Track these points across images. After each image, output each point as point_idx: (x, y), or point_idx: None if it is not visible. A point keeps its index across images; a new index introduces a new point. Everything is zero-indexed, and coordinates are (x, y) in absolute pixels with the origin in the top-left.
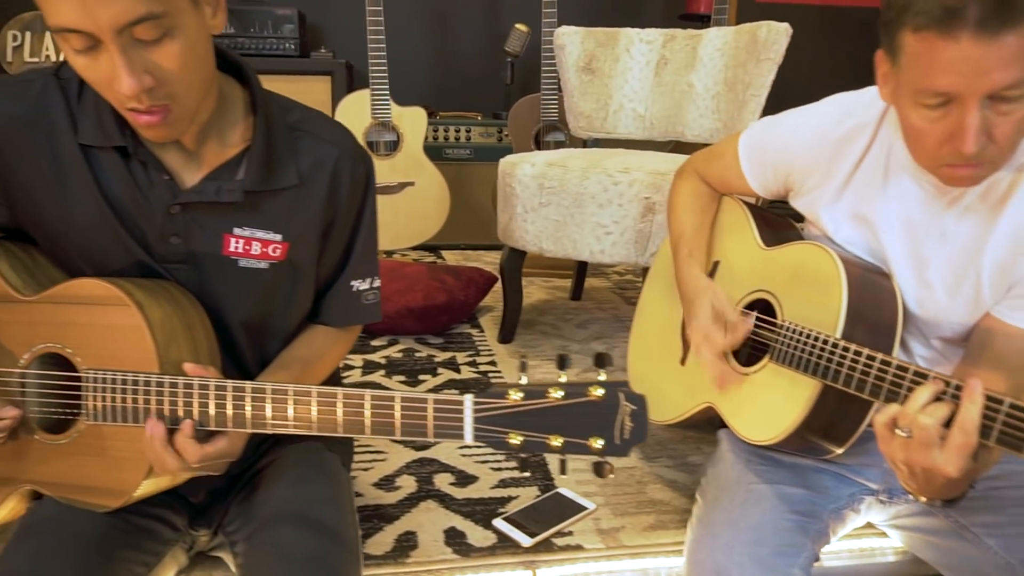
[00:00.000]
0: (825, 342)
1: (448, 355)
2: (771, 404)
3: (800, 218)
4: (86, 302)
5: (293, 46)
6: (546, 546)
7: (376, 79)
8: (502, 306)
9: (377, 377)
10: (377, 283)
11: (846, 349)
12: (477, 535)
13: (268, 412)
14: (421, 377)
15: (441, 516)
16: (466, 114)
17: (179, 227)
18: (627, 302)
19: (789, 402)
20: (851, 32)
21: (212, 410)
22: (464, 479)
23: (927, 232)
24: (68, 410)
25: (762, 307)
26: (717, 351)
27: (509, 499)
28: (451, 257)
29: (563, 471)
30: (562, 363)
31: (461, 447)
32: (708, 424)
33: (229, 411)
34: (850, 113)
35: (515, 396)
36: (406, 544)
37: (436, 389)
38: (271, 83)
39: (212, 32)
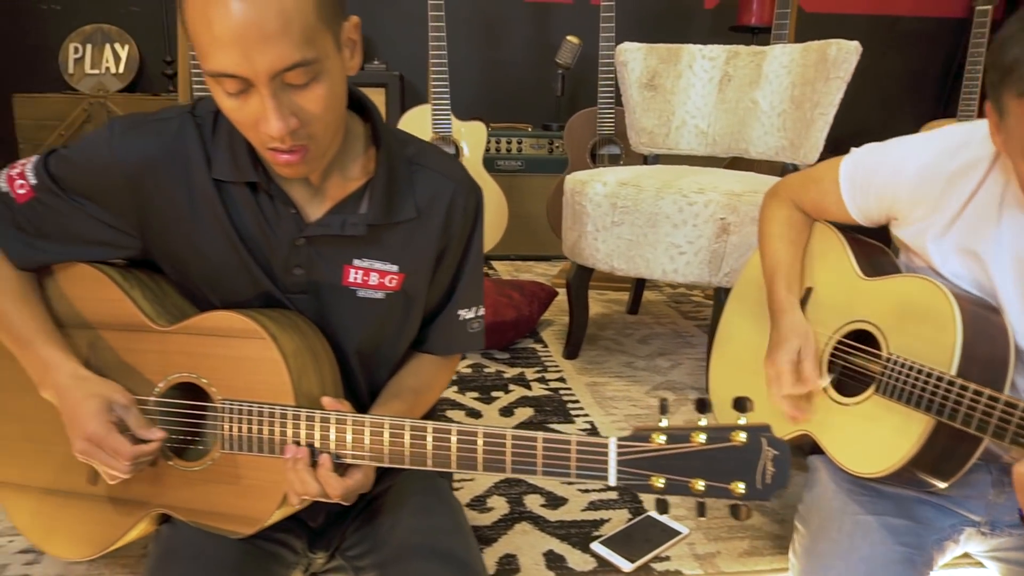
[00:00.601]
0: (940, 379)
1: (516, 371)
2: (878, 437)
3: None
4: (222, 334)
5: None
6: (645, 571)
7: (437, 94)
8: (562, 320)
9: (450, 393)
10: (482, 311)
11: (964, 387)
12: (576, 558)
13: (407, 447)
14: (494, 394)
15: (538, 539)
16: (517, 125)
17: (302, 259)
18: (684, 316)
19: (899, 437)
20: (900, 42)
21: (349, 443)
22: (554, 501)
23: None
24: (194, 437)
25: (862, 338)
26: (783, 393)
27: (601, 522)
28: (502, 268)
29: (702, 514)
30: (702, 407)
31: None
32: (796, 450)
33: (367, 445)
34: (964, 147)
35: (659, 440)
36: (508, 567)
37: (510, 407)
38: None
39: (348, 74)
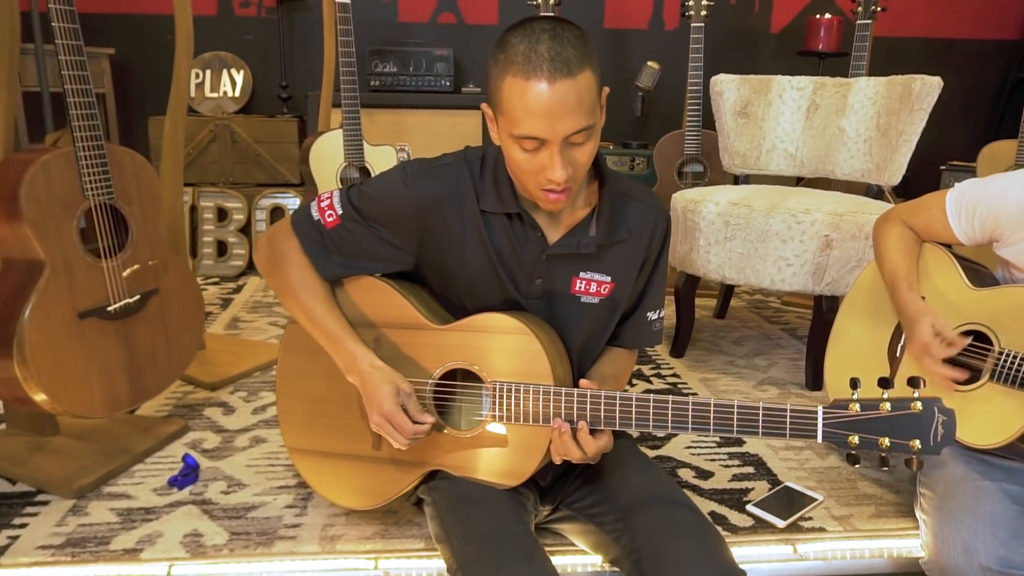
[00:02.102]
0: None
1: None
2: (993, 416)
3: None
4: (492, 331)
5: (448, 83)
6: (796, 527)
7: None
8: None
9: None
10: (663, 313)
11: None
12: (736, 517)
13: (650, 418)
14: None
15: (700, 502)
16: (600, 144)
17: (542, 271)
18: (767, 321)
19: (1014, 414)
20: (957, 63)
21: (603, 414)
22: (703, 473)
23: None
24: (442, 409)
25: (975, 338)
26: (937, 360)
27: (746, 490)
28: None
29: (885, 465)
30: (885, 384)
31: (688, 446)
32: None
33: (617, 415)
34: None
35: (855, 408)
36: None
37: None
38: (429, 117)
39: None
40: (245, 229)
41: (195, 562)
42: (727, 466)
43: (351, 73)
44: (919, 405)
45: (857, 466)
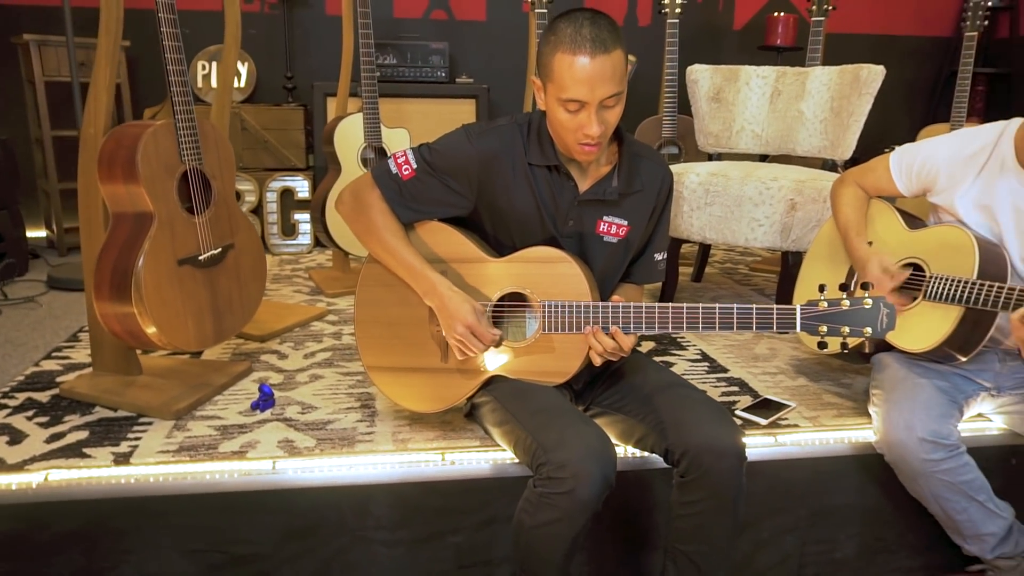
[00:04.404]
0: (967, 282)
1: None
2: (925, 326)
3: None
4: (540, 261)
5: (443, 74)
6: (775, 425)
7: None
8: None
9: None
10: (666, 255)
11: (982, 284)
12: None
13: (669, 320)
14: None
15: None
16: None
17: (574, 215)
18: (738, 283)
19: (941, 322)
20: (897, 58)
21: (632, 320)
22: None
23: None
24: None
25: (912, 268)
26: (886, 289)
27: (734, 402)
28: None
29: (845, 349)
30: (844, 288)
31: (684, 372)
32: (857, 356)
33: (643, 323)
34: (975, 138)
35: (823, 305)
36: None
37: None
38: (426, 105)
39: None
40: (257, 210)
41: (294, 459)
42: (716, 387)
43: (370, 62)
44: (869, 302)
45: (824, 350)
